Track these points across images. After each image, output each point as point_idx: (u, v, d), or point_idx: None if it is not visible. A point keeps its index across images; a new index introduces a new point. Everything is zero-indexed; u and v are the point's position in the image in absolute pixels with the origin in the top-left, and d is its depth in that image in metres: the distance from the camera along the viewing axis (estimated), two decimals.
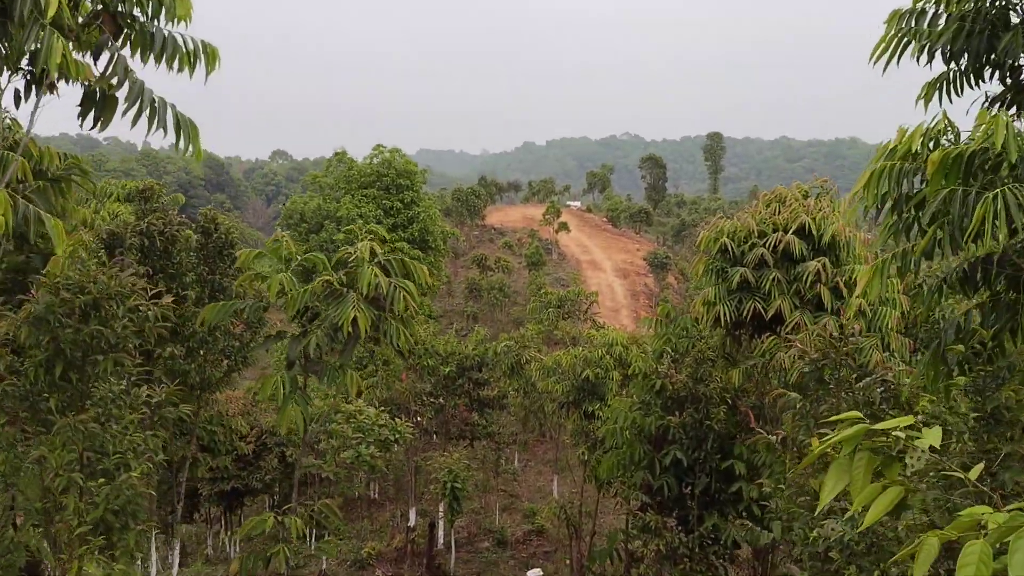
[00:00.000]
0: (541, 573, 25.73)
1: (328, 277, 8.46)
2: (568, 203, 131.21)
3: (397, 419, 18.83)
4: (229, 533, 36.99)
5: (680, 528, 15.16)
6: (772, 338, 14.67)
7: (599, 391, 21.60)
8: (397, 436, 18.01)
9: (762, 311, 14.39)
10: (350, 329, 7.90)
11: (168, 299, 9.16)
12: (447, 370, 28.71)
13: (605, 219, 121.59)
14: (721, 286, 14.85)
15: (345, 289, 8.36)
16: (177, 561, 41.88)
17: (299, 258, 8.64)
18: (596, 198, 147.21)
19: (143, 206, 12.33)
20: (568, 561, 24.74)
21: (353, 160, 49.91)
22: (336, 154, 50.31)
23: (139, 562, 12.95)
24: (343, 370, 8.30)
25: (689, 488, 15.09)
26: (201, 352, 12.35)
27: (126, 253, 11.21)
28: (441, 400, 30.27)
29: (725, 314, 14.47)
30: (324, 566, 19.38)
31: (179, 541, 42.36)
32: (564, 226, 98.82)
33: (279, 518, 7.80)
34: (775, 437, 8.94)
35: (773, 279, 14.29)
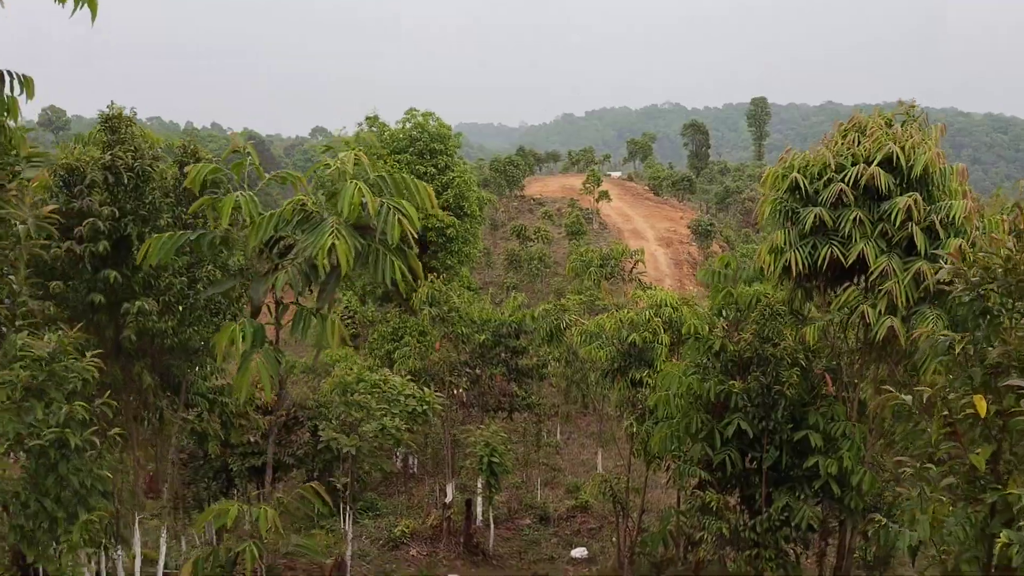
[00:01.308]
0: (586, 552, 24.03)
1: (301, 197, 6.62)
2: (608, 173, 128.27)
3: (426, 389, 17.17)
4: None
5: (744, 509, 13.27)
6: (852, 289, 12.62)
7: (647, 357, 19.69)
8: (426, 407, 16.35)
9: (840, 257, 12.31)
10: (326, 262, 6.08)
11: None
12: (482, 338, 26.96)
13: (647, 188, 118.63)
14: (791, 230, 12.78)
15: (323, 213, 6.52)
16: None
17: (268, 177, 6.81)
18: (637, 167, 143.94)
19: (110, 137, 10.68)
20: (615, 540, 23.02)
21: (385, 124, 48.15)
22: (368, 119, 48.56)
23: (119, 551, 11.52)
24: (321, 317, 6.47)
25: (755, 463, 13.17)
26: (180, 308, 10.73)
27: (91, 192, 9.60)
28: (477, 370, 28.60)
29: (797, 262, 12.42)
30: (349, 550, 17.87)
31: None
32: (605, 195, 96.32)
33: (245, 507, 6.08)
34: (910, 397, 6.88)
35: (854, 219, 12.19)
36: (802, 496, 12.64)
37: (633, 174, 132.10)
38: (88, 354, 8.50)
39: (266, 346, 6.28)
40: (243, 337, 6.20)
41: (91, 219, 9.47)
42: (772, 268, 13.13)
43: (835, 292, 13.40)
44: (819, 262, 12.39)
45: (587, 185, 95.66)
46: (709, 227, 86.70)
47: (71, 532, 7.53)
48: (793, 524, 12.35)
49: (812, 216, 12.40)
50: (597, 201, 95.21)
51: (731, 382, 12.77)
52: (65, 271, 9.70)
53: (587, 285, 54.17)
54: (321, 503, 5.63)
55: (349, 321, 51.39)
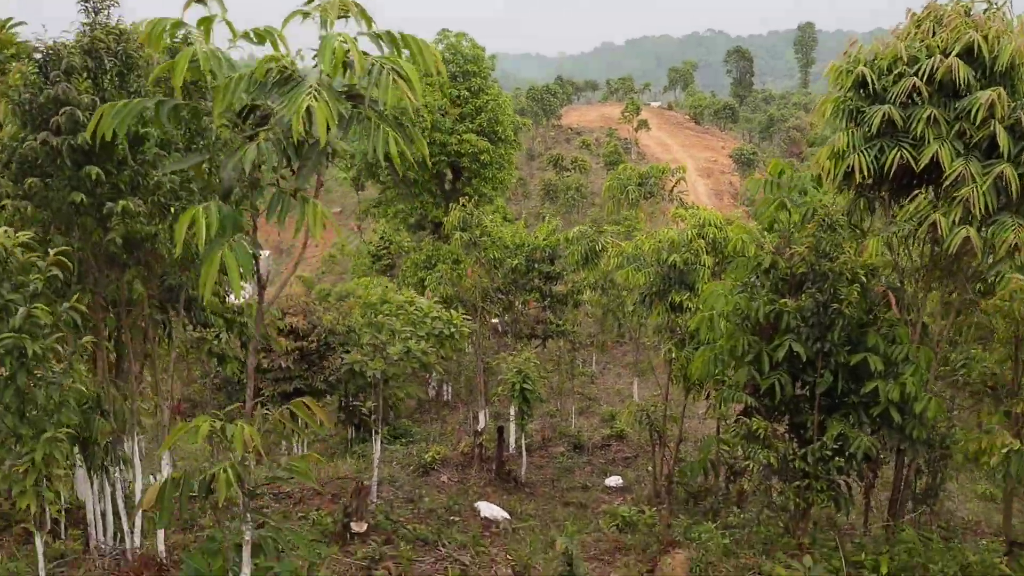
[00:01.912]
0: (621, 481, 23.39)
1: (276, 55, 5.47)
2: (648, 102, 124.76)
3: (454, 312, 16.32)
4: (297, 436, 36.05)
5: (793, 437, 12.31)
6: (922, 196, 11.35)
7: (687, 280, 18.61)
8: (453, 330, 15.53)
9: (910, 161, 11.00)
10: (302, 130, 4.98)
11: None
12: (515, 263, 25.99)
13: (687, 117, 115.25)
14: (855, 131, 11.46)
15: (304, 74, 5.39)
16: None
17: (244, 32, 5.68)
18: (678, 96, 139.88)
19: (91, 18, 9.67)
20: (651, 469, 22.33)
21: None
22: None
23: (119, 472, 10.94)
24: (302, 199, 5.42)
25: (806, 388, 12.14)
26: (171, 210, 9.81)
27: (69, 79, 8.61)
28: (510, 297, 27.73)
29: (861, 166, 11.14)
30: (376, 476, 17.37)
31: None
32: (644, 124, 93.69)
33: (217, 424, 5.18)
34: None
35: (928, 118, 10.83)
36: (857, 424, 11.63)
37: (673, 103, 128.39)
38: (52, 252, 7.65)
39: (238, 236, 5.29)
40: (206, 222, 5.17)
41: (68, 108, 8.56)
42: (832, 175, 11.88)
43: (900, 203, 12.14)
44: (886, 167, 11.10)
45: (626, 114, 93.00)
46: (752, 156, 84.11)
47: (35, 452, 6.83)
48: (848, 454, 11.37)
49: (880, 115, 11.05)
50: (636, 130, 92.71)
51: (782, 300, 11.66)
52: (43, 168, 8.86)
53: (625, 215, 52.71)
54: (313, 420, 4.76)
55: (384, 252, 50.81)
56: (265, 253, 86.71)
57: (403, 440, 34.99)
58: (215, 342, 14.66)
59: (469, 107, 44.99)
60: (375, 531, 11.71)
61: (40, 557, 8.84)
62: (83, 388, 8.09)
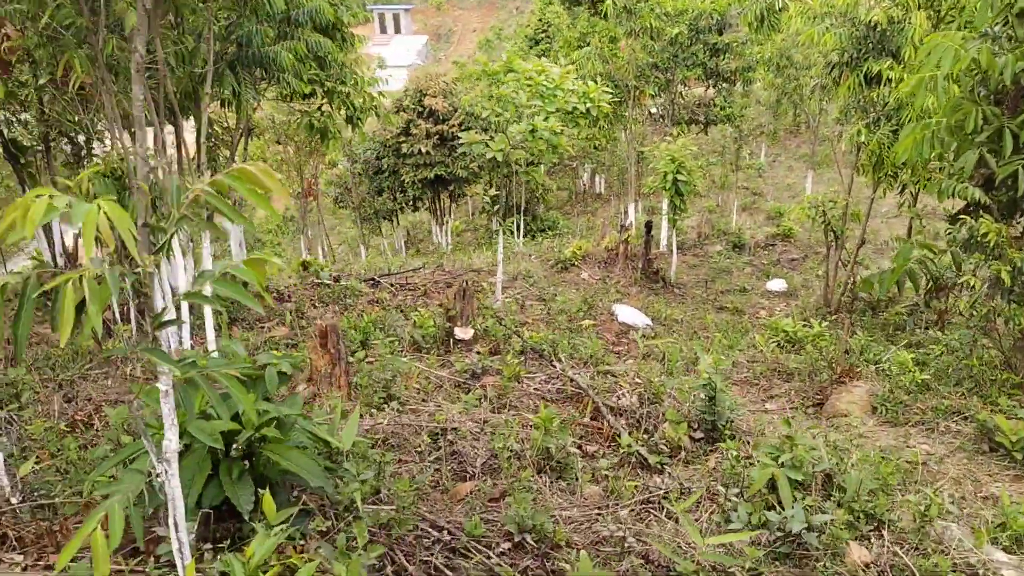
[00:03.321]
0: (785, 285, 20.72)
1: None
2: None
3: (592, 83, 13.50)
4: (441, 223, 35.30)
5: None
6: None
7: (889, 45, 14.76)
8: (588, 105, 12.85)
9: None
10: None
11: None
12: (675, 32, 22.27)
13: None
14: None
15: None
16: (404, 250, 41.92)
17: None
18: None
19: None
20: (821, 272, 19.50)
21: None
22: None
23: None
24: None
25: None
26: None
27: None
28: (668, 75, 24.23)
29: None
30: (500, 271, 15.70)
31: (404, 229, 42.08)
32: None
33: (60, 200, 3.20)
34: None
35: None
36: None
37: None
38: None
39: None
40: None
41: None
42: None
43: None
44: None
45: None
46: None
47: None
48: None
49: None
50: None
51: None
52: None
53: None
54: (266, 186, 2.84)
55: (543, 35, 47.24)
56: (423, 38, 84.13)
57: (549, 233, 33.34)
58: (316, 114, 12.84)
59: None
60: (484, 338, 9.99)
61: None
62: None
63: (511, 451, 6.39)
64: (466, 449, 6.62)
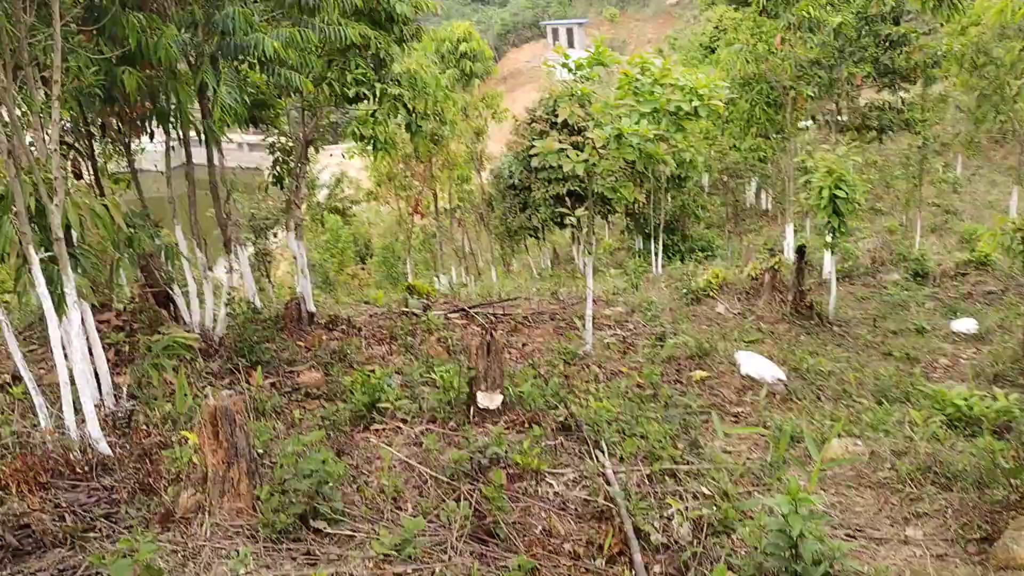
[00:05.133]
0: (975, 326, 16.69)
1: None
2: None
3: (705, 75, 10.76)
4: (579, 245, 33.05)
5: None
6: None
7: None
8: (697, 103, 10.15)
9: None
10: None
11: None
12: (838, 21, 18.77)
13: None
14: None
15: None
16: (550, 264, 39.97)
17: None
18: None
19: None
20: None
21: None
22: None
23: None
24: None
25: None
26: None
27: None
28: (833, 72, 20.71)
29: None
30: (591, 298, 13.25)
31: (551, 247, 40.21)
32: None
33: None
34: None
35: None
36: None
37: None
38: None
39: None
40: None
41: None
42: None
43: None
44: None
45: None
46: None
47: None
48: None
49: None
50: None
51: None
52: None
53: None
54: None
55: (717, 43, 44.41)
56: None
57: (700, 254, 30.20)
58: (368, 119, 10.96)
59: None
60: (519, 406, 7.60)
61: None
62: None
63: None
64: None
